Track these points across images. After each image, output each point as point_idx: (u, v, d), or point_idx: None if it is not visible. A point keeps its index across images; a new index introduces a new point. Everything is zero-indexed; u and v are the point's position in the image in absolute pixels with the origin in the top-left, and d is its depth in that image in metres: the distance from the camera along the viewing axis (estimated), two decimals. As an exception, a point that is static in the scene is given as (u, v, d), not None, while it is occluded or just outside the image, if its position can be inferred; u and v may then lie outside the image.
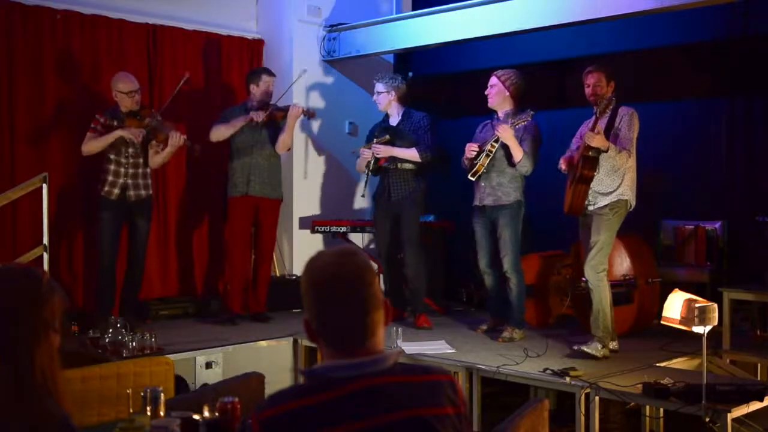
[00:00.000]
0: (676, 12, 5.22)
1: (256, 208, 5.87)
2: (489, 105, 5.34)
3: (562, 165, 4.86)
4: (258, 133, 5.81)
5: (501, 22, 5.80)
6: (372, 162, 5.74)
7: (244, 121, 5.72)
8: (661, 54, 5.96)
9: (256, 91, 5.83)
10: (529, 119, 5.04)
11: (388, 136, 5.72)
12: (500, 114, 5.33)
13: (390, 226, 5.83)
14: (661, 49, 5.96)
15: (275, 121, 5.80)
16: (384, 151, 5.69)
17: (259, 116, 5.66)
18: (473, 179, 5.25)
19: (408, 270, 5.75)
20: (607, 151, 4.50)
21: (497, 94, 5.28)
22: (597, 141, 4.48)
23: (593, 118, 4.67)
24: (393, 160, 5.73)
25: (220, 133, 5.79)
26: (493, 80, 5.31)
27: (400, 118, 5.82)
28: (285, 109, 5.78)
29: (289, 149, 6.07)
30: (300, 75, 6.03)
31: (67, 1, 5.86)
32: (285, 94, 6.02)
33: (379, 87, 5.80)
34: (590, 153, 4.59)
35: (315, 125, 6.81)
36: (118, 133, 5.26)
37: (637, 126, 4.63)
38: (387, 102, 5.80)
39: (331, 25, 6.90)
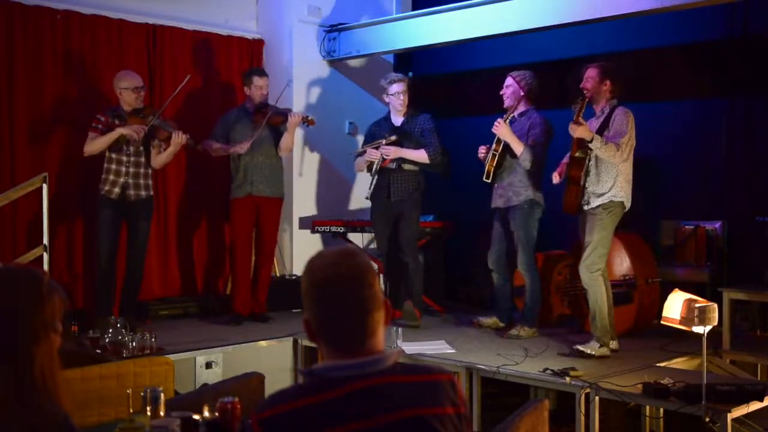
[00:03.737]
0: (676, 12, 5.23)
1: (258, 207, 5.87)
2: (505, 105, 5.36)
3: (556, 177, 4.89)
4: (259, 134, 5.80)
5: (501, 22, 5.80)
6: (377, 163, 5.68)
7: (225, 152, 5.79)
8: (661, 54, 5.96)
9: (249, 93, 5.85)
10: (520, 113, 5.01)
11: (395, 137, 5.64)
12: (515, 114, 5.37)
13: (390, 227, 5.80)
14: (661, 49, 5.96)
15: (275, 125, 5.80)
16: (394, 152, 5.63)
17: (243, 148, 5.69)
18: (488, 181, 5.28)
19: (409, 269, 5.70)
20: (591, 141, 4.48)
21: (513, 94, 5.32)
22: (579, 131, 4.49)
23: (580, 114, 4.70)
24: (397, 160, 5.68)
25: (211, 150, 5.86)
26: (509, 80, 5.34)
27: (405, 118, 5.76)
28: (284, 114, 5.77)
29: (291, 151, 6.08)
30: (285, 87, 5.98)
31: (67, 1, 5.86)
32: (281, 97, 5.99)
33: (400, 87, 5.68)
34: (577, 154, 4.63)
35: (315, 125, 6.79)
36: (119, 131, 5.24)
37: (631, 124, 4.60)
38: (406, 101, 5.72)
39: (331, 25, 6.90)
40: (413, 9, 7.14)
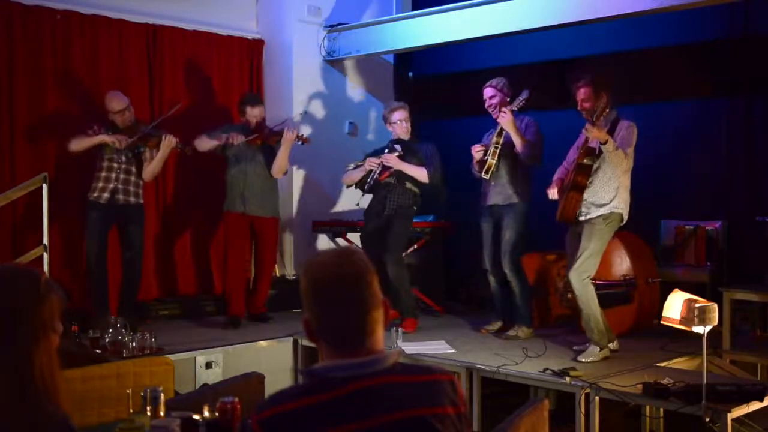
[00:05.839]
0: (676, 12, 5.22)
1: (252, 225, 5.84)
2: (496, 116, 5.29)
3: (554, 192, 4.79)
4: (253, 154, 5.75)
5: (501, 22, 5.80)
6: (375, 173, 5.59)
7: (219, 142, 5.67)
8: (661, 54, 5.96)
9: (243, 120, 5.79)
10: (527, 96, 5.01)
11: (400, 150, 5.56)
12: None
13: (380, 240, 5.56)
14: (661, 49, 5.96)
15: (270, 145, 5.77)
16: (396, 162, 5.54)
17: (238, 139, 5.63)
18: (487, 177, 5.22)
19: (390, 277, 5.41)
20: (605, 144, 4.43)
21: (500, 103, 5.28)
22: (596, 132, 4.41)
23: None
24: (395, 175, 5.58)
25: (202, 144, 5.73)
26: (492, 92, 5.31)
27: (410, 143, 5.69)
28: (279, 134, 5.73)
29: (285, 173, 6.02)
30: (302, 114, 5.93)
31: (67, 1, 5.86)
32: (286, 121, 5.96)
33: (402, 114, 5.63)
34: (585, 160, 4.57)
35: (315, 125, 6.80)
36: (102, 137, 5.33)
37: (635, 138, 4.56)
38: (409, 128, 5.67)
39: (331, 25, 6.90)
40: (413, 9, 7.13)
